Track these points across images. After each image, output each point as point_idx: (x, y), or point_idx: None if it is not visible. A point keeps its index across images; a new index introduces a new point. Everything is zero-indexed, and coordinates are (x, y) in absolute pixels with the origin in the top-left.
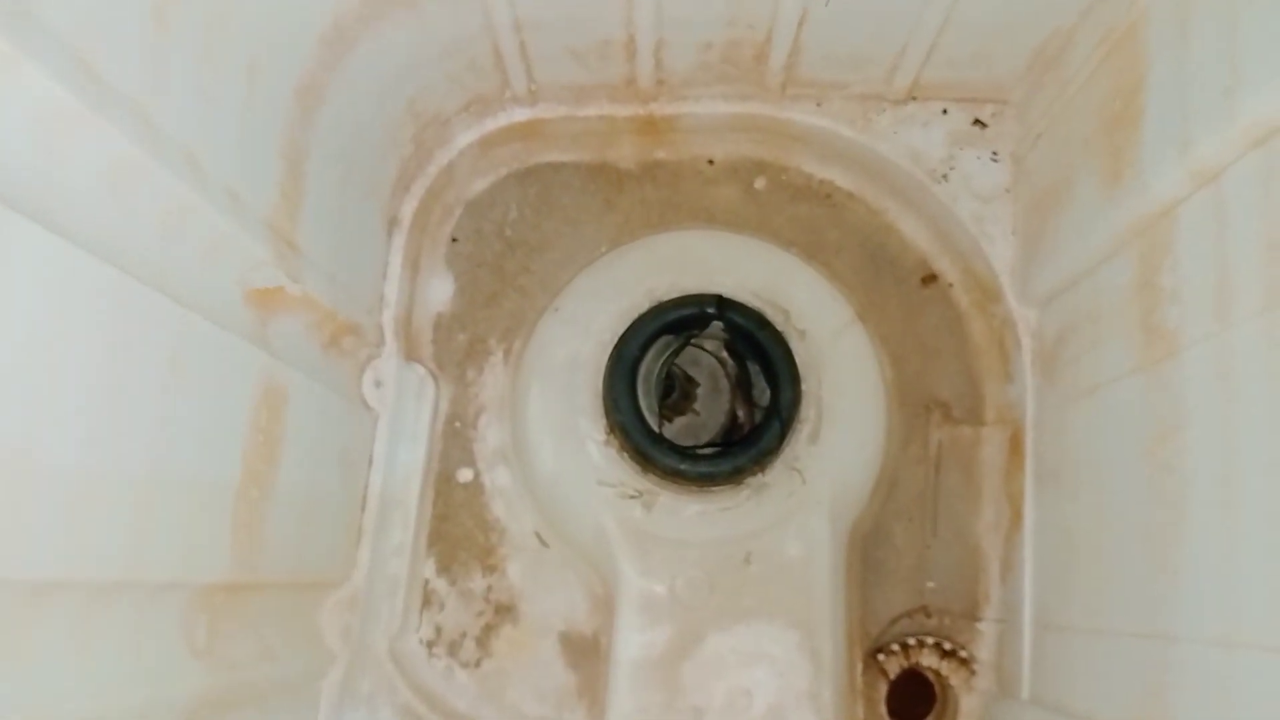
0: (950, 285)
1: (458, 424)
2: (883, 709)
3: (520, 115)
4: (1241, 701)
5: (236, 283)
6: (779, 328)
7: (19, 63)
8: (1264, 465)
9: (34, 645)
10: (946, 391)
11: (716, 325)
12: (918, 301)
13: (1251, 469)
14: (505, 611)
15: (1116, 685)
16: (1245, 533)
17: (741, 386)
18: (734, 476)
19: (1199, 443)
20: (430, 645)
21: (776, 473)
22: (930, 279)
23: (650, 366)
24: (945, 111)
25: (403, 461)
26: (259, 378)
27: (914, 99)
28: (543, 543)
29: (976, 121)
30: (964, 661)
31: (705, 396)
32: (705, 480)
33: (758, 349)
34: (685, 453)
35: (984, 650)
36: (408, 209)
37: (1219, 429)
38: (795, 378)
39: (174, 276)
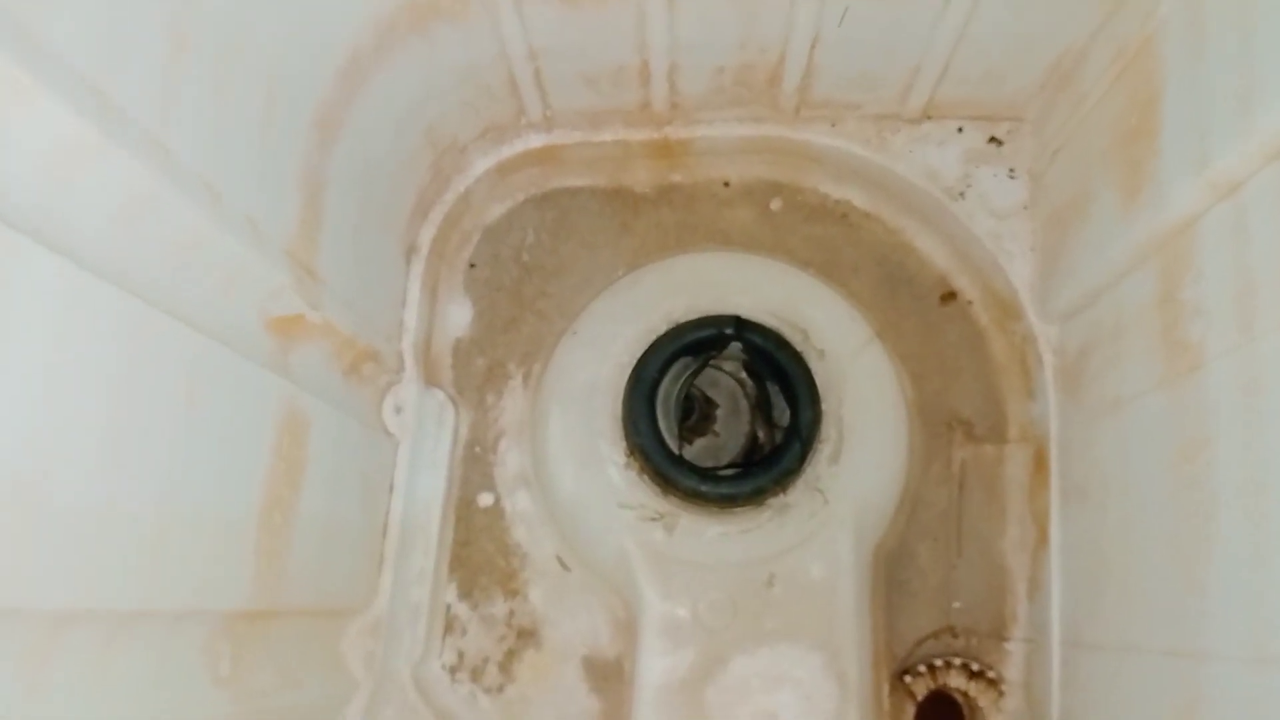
0: (970, 303)
1: (478, 449)
2: None
3: (536, 141)
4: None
5: (257, 311)
6: (797, 347)
7: (37, 93)
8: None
9: (55, 676)
10: (968, 409)
11: (735, 346)
12: (937, 319)
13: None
14: (527, 636)
15: (1147, 704)
16: (1276, 547)
17: (761, 407)
18: (755, 498)
19: (1226, 456)
20: (453, 671)
21: (798, 493)
22: (949, 297)
23: (669, 388)
24: (960, 130)
25: (423, 487)
26: (280, 405)
27: (929, 118)
28: (564, 566)
29: (992, 139)
30: (992, 682)
31: (725, 418)
32: (726, 502)
33: (777, 369)
34: (706, 474)
35: (1012, 670)
36: (426, 236)
37: (1246, 442)
38: (815, 397)
39: (193, 305)
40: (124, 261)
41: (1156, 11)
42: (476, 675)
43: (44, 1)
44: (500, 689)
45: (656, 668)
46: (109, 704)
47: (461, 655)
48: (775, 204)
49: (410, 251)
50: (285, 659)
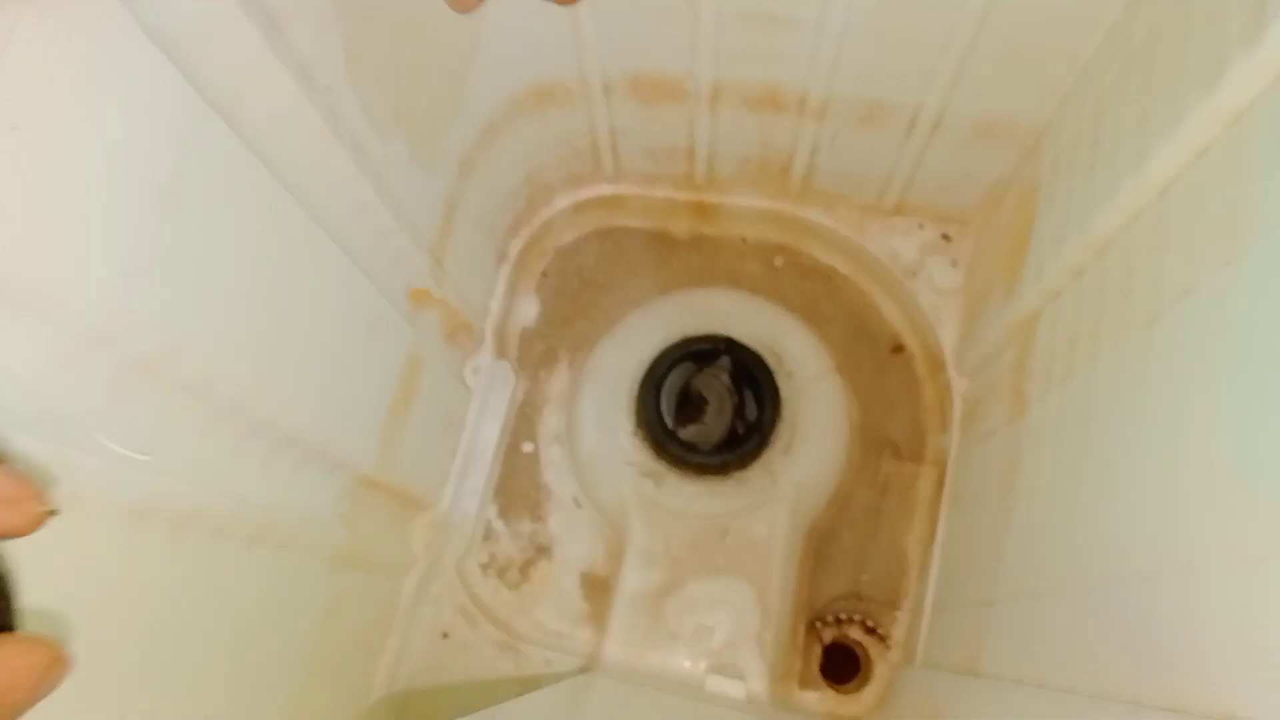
0: (913, 356)
1: (528, 409)
2: (816, 667)
3: (606, 190)
4: (1030, 639)
5: (405, 282)
6: (771, 367)
7: (331, 142)
8: (1047, 484)
9: (277, 471)
10: (898, 436)
11: (724, 360)
12: (886, 365)
13: (1044, 485)
14: (543, 551)
15: (960, 642)
16: (1037, 525)
17: (738, 406)
18: (722, 470)
19: (1025, 473)
20: (484, 567)
21: (755, 472)
22: (898, 349)
23: (673, 384)
24: (922, 226)
25: (485, 430)
26: (409, 347)
27: (899, 213)
28: (578, 505)
29: (944, 235)
30: (882, 638)
31: (713, 412)
32: (701, 470)
33: (752, 380)
34: (689, 448)
35: (897, 632)
36: (514, 248)
37: (1033, 465)
38: (777, 404)
39: (375, 271)
40: (352, 242)
41: (1040, 168)
42: (501, 573)
43: (343, 96)
44: (518, 586)
45: (634, 581)
46: (295, 498)
47: (493, 557)
48: (778, 261)
49: (502, 257)
50: (379, 522)
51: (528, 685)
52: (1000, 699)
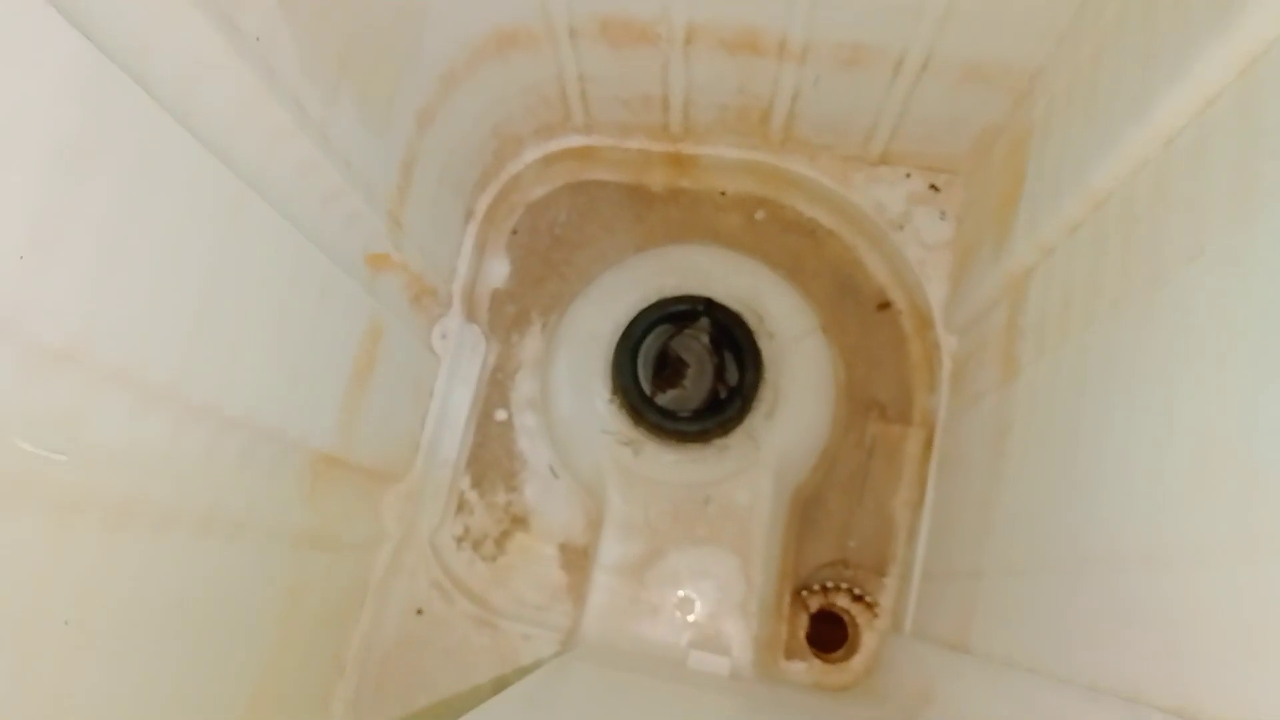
0: (900, 312)
1: (500, 375)
2: (803, 636)
3: (577, 141)
4: (1021, 619)
5: (361, 247)
6: (752, 328)
7: (263, 97)
8: (1038, 454)
9: (224, 460)
10: (885, 396)
11: (704, 321)
12: (872, 323)
13: (1035, 456)
14: (519, 522)
15: (949, 612)
16: (1027, 498)
17: (719, 369)
18: (702, 436)
19: (1015, 439)
20: (459, 540)
21: (736, 438)
22: (885, 306)
23: (650, 347)
24: (909, 175)
25: (455, 397)
26: (368, 314)
27: (884, 163)
28: (554, 473)
29: (932, 186)
30: (869, 605)
31: (693, 375)
32: (681, 437)
33: (733, 342)
34: (667, 414)
35: (885, 598)
36: (482, 204)
37: (1024, 432)
38: (759, 367)
39: (325, 237)
40: (295, 208)
41: (1032, 116)
42: (476, 546)
43: (277, 46)
44: (494, 559)
45: (613, 553)
46: (247, 483)
47: (467, 529)
48: (759, 214)
49: (469, 216)
50: (345, 499)
51: (499, 685)
52: (991, 683)
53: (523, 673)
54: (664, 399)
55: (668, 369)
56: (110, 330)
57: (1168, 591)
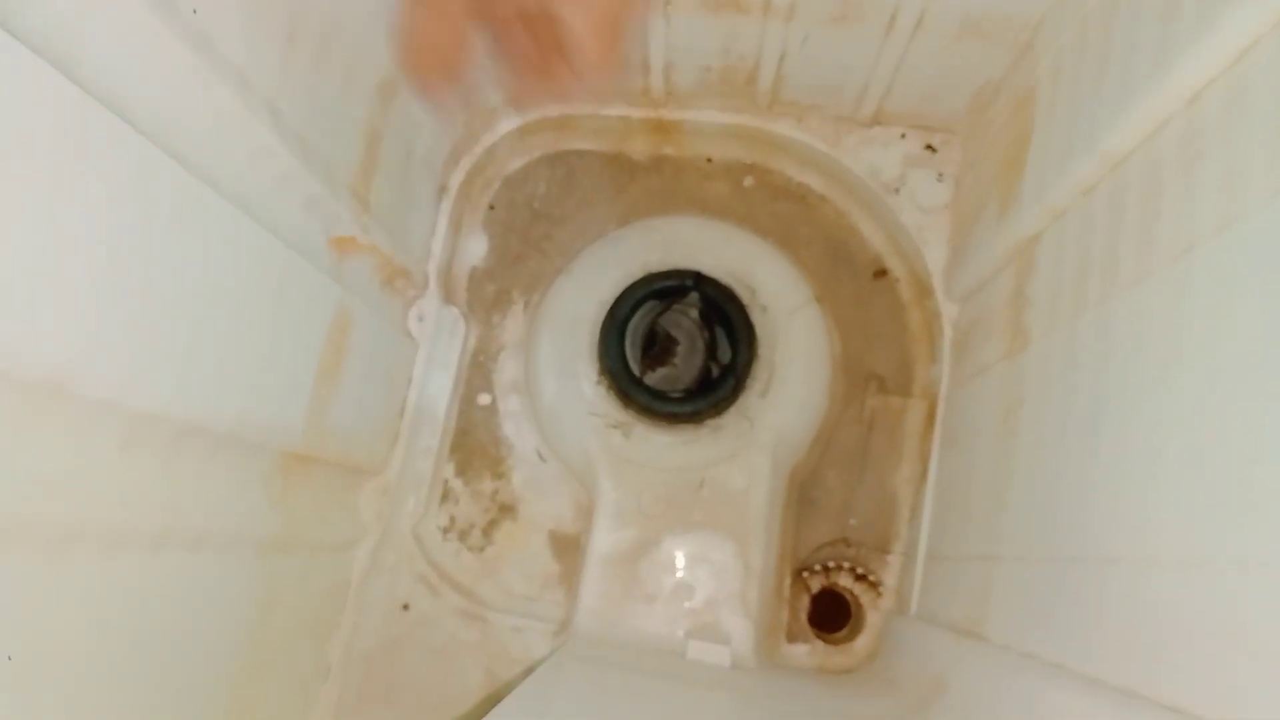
0: (897, 280)
1: (481, 358)
2: (804, 617)
3: (554, 110)
4: (1043, 610)
5: (323, 231)
6: (744, 302)
7: (202, 74)
8: (1056, 435)
9: (182, 468)
10: (884, 368)
11: (693, 296)
12: (868, 292)
13: (1053, 436)
14: (507, 510)
15: (961, 597)
16: (1046, 481)
17: (710, 347)
18: (695, 417)
19: (1027, 415)
20: (445, 531)
21: (730, 418)
22: (881, 274)
23: (638, 325)
24: (903, 136)
25: (435, 383)
26: (334, 302)
27: (878, 123)
28: (541, 459)
29: (928, 146)
30: (873, 584)
31: (684, 353)
32: (672, 418)
33: (724, 318)
34: (657, 395)
35: (889, 577)
36: (455, 180)
37: (1037, 407)
38: (752, 343)
39: (282, 223)
40: (247, 194)
41: (1036, 71)
42: (463, 536)
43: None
44: (481, 549)
45: (605, 542)
46: (206, 494)
47: (453, 519)
48: (748, 181)
49: (441, 192)
50: (318, 498)
51: (492, 700)
52: (1011, 676)
53: (512, 685)
54: (653, 379)
55: (656, 348)
56: (31, 338)
57: (1213, 599)
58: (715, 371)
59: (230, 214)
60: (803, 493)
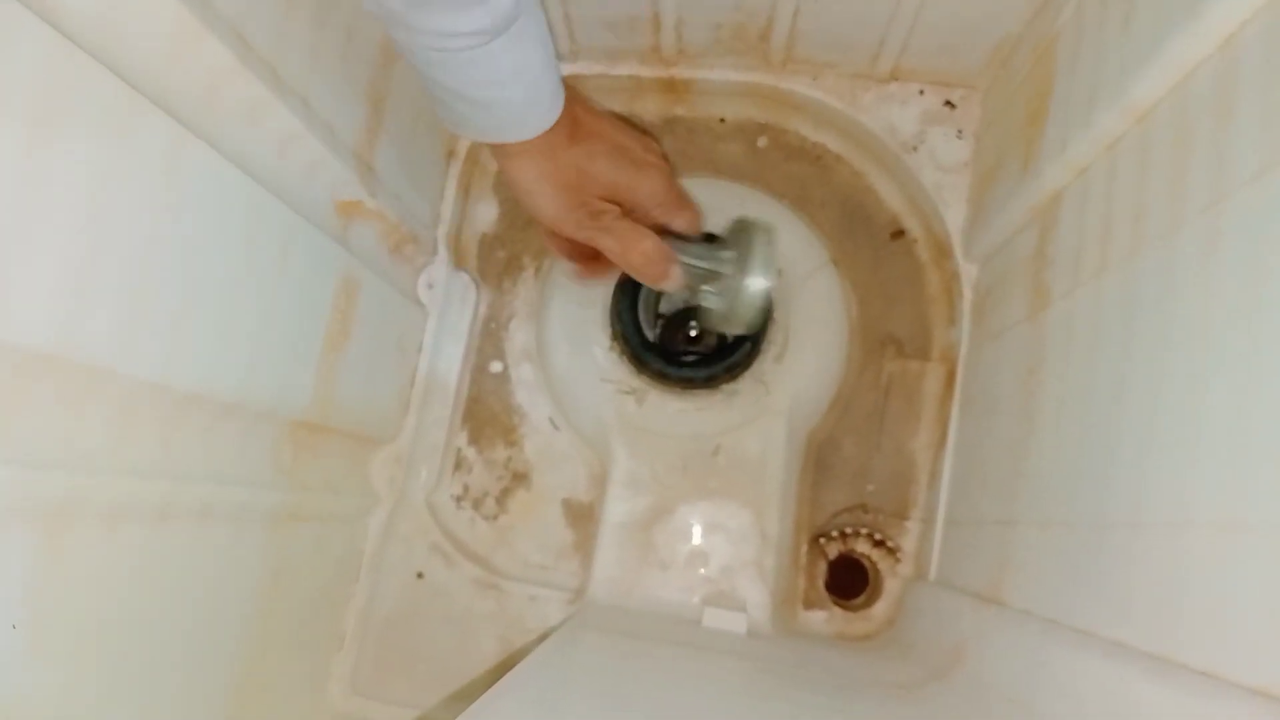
0: (915, 241)
1: (493, 325)
2: (822, 584)
3: (563, 70)
4: (1068, 575)
5: (329, 195)
6: None
7: (198, 31)
8: (1080, 396)
9: (183, 436)
10: (901, 331)
11: None
12: (886, 253)
13: (1075, 398)
14: (520, 479)
15: (979, 562)
16: (1068, 444)
17: None
18: (709, 383)
19: (1048, 377)
20: (458, 500)
21: (745, 383)
22: (898, 234)
23: (650, 290)
24: (921, 92)
25: (446, 351)
26: (341, 269)
27: (895, 80)
28: (554, 427)
29: (947, 103)
30: (891, 550)
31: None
32: (686, 384)
33: None
34: (671, 360)
35: (908, 543)
36: (463, 143)
37: (1060, 368)
38: (768, 306)
39: (286, 187)
40: (247, 155)
41: (1058, 20)
42: (477, 505)
43: None
44: (495, 518)
45: (619, 510)
46: (212, 463)
47: (466, 488)
48: (762, 141)
49: (450, 156)
50: (329, 467)
51: (504, 667)
52: (1034, 645)
53: (526, 651)
54: (667, 344)
55: (670, 312)
56: (20, 303)
57: (1251, 562)
58: (729, 336)
59: (228, 172)
60: (819, 458)
